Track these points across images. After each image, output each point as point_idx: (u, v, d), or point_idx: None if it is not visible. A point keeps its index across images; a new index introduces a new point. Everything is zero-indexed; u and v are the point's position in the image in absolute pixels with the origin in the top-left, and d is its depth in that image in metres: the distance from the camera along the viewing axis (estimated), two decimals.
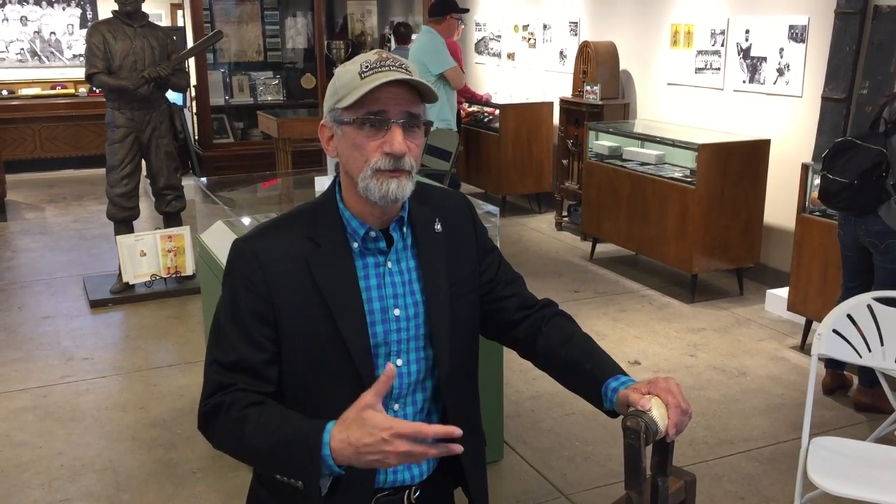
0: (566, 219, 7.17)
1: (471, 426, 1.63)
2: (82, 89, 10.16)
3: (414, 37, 8.73)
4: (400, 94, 1.40)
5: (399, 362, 1.50)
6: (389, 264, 1.51)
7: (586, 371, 1.51)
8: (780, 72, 5.32)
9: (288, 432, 1.33)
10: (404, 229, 1.53)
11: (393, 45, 8.50)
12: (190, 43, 8.38)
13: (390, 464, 1.26)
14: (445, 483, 1.64)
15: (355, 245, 1.49)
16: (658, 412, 1.33)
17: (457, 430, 1.25)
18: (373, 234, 1.49)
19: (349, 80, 1.41)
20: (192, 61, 7.97)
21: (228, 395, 1.42)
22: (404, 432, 1.23)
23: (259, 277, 1.45)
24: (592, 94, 6.61)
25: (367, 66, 1.40)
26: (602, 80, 6.60)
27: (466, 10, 6.38)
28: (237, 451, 1.45)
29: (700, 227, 5.18)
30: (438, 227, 1.56)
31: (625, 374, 1.48)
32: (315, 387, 1.47)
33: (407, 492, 1.55)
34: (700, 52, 5.97)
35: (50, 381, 4.25)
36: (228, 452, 1.48)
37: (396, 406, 1.52)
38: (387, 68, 1.39)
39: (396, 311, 1.50)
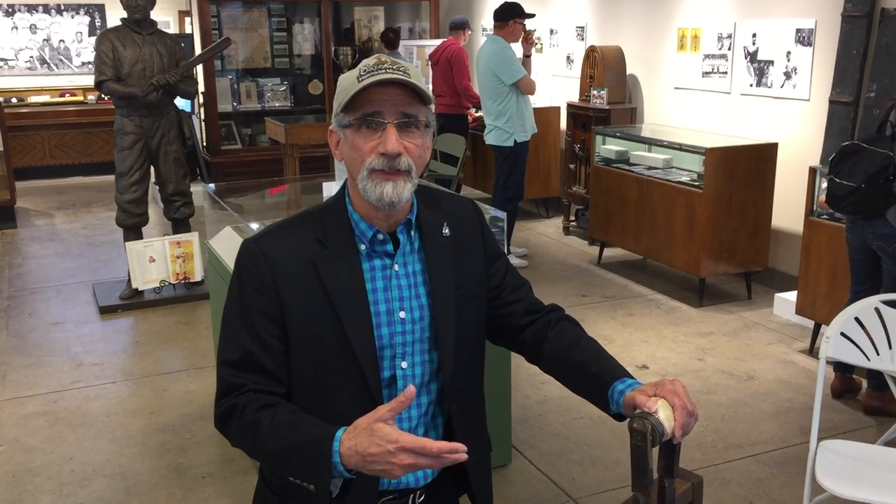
0: (573, 223, 7.17)
1: (475, 431, 1.64)
2: (91, 97, 10.22)
3: (402, 43, 8.76)
4: (395, 95, 1.42)
5: (404, 364, 1.52)
6: (396, 267, 1.52)
7: (592, 374, 1.51)
8: (788, 75, 5.31)
9: (299, 438, 1.36)
10: (412, 232, 1.54)
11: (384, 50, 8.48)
12: (198, 50, 8.43)
13: (395, 475, 1.29)
14: (450, 488, 1.65)
15: (363, 247, 1.50)
16: (664, 414, 1.33)
17: (461, 447, 1.27)
18: (380, 236, 1.50)
19: (348, 84, 1.44)
20: (200, 68, 8.01)
21: (240, 397, 1.45)
22: (409, 447, 1.26)
23: (267, 277, 1.47)
24: (599, 98, 6.62)
25: (364, 70, 1.43)
26: (609, 85, 6.61)
27: (532, 16, 6.16)
28: (252, 453, 1.49)
29: (708, 231, 5.18)
30: (447, 231, 1.58)
31: (631, 376, 1.48)
32: (321, 387, 1.49)
33: (412, 495, 1.56)
34: (707, 56, 5.97)
35: (60, 387, 4.27)
36: (245, 451, 1.52)
37: None
38: (383, 71, 1.41)
39: (402, 314, 1.51)
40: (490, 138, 6.09)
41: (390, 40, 8.17)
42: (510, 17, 5.95)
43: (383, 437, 1.27)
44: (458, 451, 1.27)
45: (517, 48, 6.03)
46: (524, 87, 5.94)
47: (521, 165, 6.11)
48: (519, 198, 6.24)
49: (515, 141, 5.98)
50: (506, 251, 5.94)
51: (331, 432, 1.33)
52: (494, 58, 5.90)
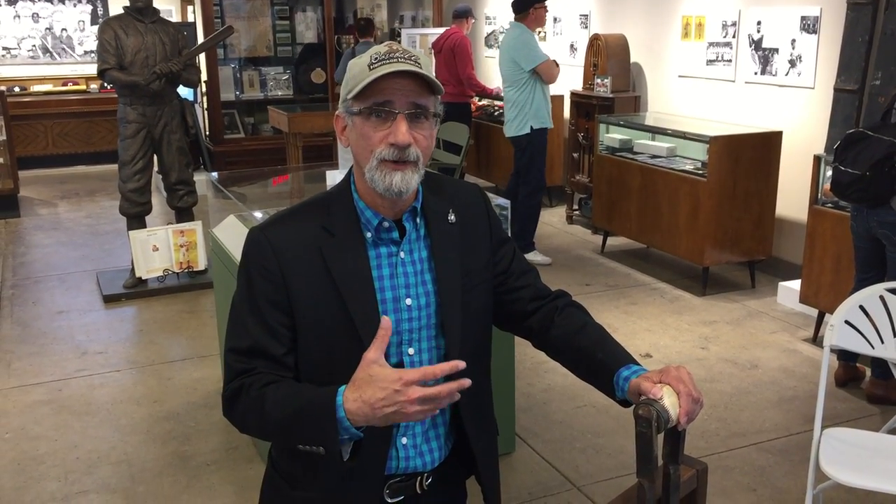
0: (577, 212, 7.16)
1: (482, 416, 1.64)
2: (94, 85, 10.21)
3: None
4: (406, 86, 1.41)
5: (411, 351, 1.52)
6: (402, 254, 1.52)
7: (598, 360, 1.52)
8: (792, 63, 5.29)
9: (303, 401, 1.37)
10: (417, 220, 1.54)
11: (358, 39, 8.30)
12: (200, 38, 8.41)
13: (408, 414, 1.29)
14: (458, 472, 1.65)
15: (369, 235, 1.50)
16: (669, 401, 1.33)
17: (461, 364, 1.30)
18: (386, 224, 1.50)
19: (359, 71, 1.43)
20: (202, 57, 7.99)
21: (248, 378, 1.45)
22: (413, 379, 1.28)
23: (274, 265, 1.47)
24: (603, 86, 6.60)
25: (376, 58, 1.42)
26: (613, 73, 6.59)
27: None
28: (260, 428, 1.47)
29: (711, 219, 5.17)
30: (452, 218, 1.57)
31: (636, 363, 1.48)
32: (328, 374, 1.48)
33: (419, 479, 1.57)
34: (711, 44, 5.95)
35: (65, 375, 4.28)
36: (252, 432, 1.52)
37: None
38: (395, 60, 1.40)
39: (408, 301, 1.51)
40: (508, 130, 5.93)
41: (362, 28, 8.06)
42: (530, 5, 5.76)
43: (385, 379, 1.28)
44: (458, 368, 1.29)
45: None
46: (544, 72, 5.73)
47: (539, 157, 5.91)
48: (541, 191, 6.07)
49: (531, 127, 5.79)
50: (528, 247, 5.87)
51: (333, 390, 1.34)
52: (513, 44, 5.76)
